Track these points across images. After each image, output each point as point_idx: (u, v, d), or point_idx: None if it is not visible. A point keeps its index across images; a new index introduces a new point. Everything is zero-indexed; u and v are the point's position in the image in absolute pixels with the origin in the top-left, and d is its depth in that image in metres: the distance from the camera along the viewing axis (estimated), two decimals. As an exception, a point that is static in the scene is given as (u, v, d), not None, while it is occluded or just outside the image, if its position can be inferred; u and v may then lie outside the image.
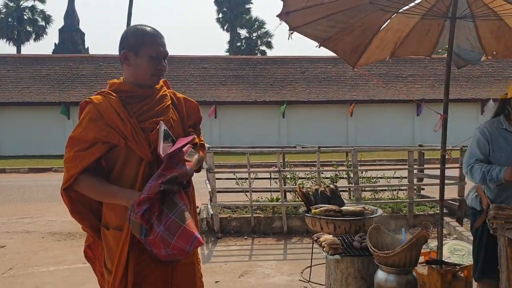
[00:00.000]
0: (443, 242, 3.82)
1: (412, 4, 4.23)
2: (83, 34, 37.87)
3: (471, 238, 5.20)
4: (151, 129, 2.04)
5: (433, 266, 3.46)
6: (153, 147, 2.01)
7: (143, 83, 2.08)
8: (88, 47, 37.95)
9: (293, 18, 4.13)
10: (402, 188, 7.11)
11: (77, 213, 2.12)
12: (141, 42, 2.03)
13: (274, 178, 7.01)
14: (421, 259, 3.46)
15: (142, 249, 1.95)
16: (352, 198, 6.86)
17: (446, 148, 5.32)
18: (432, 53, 5.11)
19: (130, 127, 1.99)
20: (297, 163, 9.35)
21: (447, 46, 4.50)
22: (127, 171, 2.02)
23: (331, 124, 23.54)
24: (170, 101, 2.17)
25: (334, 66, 24.44)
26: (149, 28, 2.08)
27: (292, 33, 4.30)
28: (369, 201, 6.74)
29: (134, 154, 2.01)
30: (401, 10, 4.34)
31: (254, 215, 6.49)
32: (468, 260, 4.45)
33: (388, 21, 4.54)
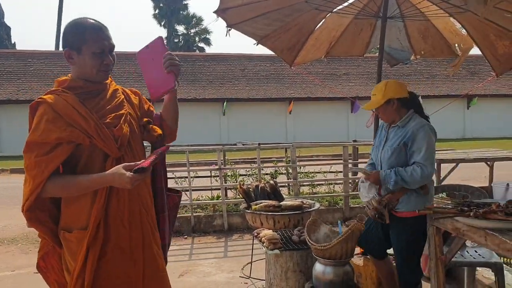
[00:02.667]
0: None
1: (346, 4, 4.38)
2: (9, 28, 35.69)
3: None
4: (114, 124, 2.00)
5: (368, 256, 3.60)
6: (120, 143, 1.98)
7: (92, 80, 2.01)
8: (14, 42, 35.84)
9: (230, 15, 4.14)
10: (338, 182, 7.34)
11: (36, 220, 1.99)
12: (83, 40, 1.94)
13: (214, 176, 6.98)
14: (357, 250, 3.60)
15: (106, 247, 1.94)
16: (291, 193, 6.99)
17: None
18: (365, 53, 5.32)
19: (93, 124, 1.92)
20: (238, 160, 9.36)
21: (379, 46, 4.71)
22: (91, 169, 1.95)
23: (271, 121, 23.84)
24: (123, 95, 2.14)
25: (273, 64, 24.73)
26: (90, 22, 1.99)
27: (229, 29, 4.31)
28: (307, 195, 6.92)
29: (98, 151, 1.96)
30: (335, 10, 4.48)
31: (194, 214, 6.44)
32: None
33: (323, 21, 4.68)
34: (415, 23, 4.73)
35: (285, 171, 7.31)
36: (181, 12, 41.25)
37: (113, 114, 2.02)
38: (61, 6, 28.19)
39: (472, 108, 25.67)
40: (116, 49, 2.06)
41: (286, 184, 7.24)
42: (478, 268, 3.88)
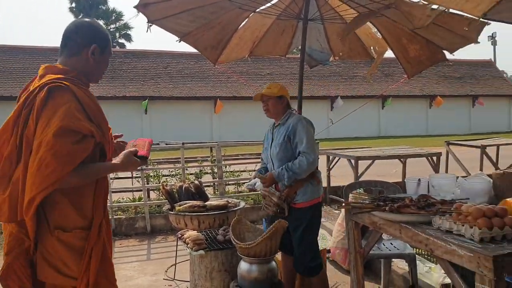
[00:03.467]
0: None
1: (269, 4, 4.42)
2: None
3: (325, 224, 5.69)
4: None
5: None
6: (112, 145, 2.13)
7: (91, 80, 2.09)
8: None
9: (151, 10, 4.01)
10: (263, 180, 7.40)
11: (33, 217, 1.87)
12: (108, 42, 2.11)
13: (136, 177, 6.75)
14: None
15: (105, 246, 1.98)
16: (216, 192, 6.95)
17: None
18: (287, 53, 5.41)
19: (105, 124, 2.01)
20: (161, 160, 9.15)
21: (300, 47, 4.82)
22: None
23: (196, 121, 23.61)
24: None
25: (197, 62, 24.51)
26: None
27: (150, 25, 4.19)
28: (232, 195, 6.92)
29: (97, 151, 1.98)
30: (258, 10, 4.51)
31: (115, 216, 6.19)
32: (322, 245, 4.84)
33: (246, 20, 4.69)
34: (334, 25, 4.90)
35: (210, 171, 7.25)
36: (100, 6, 39.55)
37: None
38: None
39: (386, 108, 27.28)
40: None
41: (212, 184, 7.19)
42: (393, 259, 4.12)
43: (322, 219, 5.98)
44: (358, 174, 6.89)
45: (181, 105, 23.53)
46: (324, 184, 7.73)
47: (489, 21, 3.37)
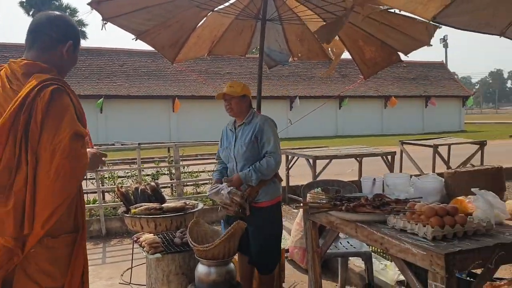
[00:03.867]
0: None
1: (227, 3, 4.39)
2: None
3: (284, 223, 5.71)
4: None
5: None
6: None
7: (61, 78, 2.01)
8: None
9: (106, 7, 3.89)
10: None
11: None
12: (79, 38, 2.06)
13: (90, 179, 6.54)
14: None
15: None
16: (174, 193, 6.85)
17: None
18: (246, 53, 5.40)
19: (85, 124, 1.97)
20: (117, 161, 8.92)
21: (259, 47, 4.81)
22: None
23: (154, 120, 23.20)
24: None
25: (155, 61, 24.10)
26: None
27: (105, 23, 4.06)
28: (191, 196, 6.82)
29: None
30: (216, 9, 4.47)
31: (69, 219, 5.96)
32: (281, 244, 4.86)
33: (204, 19, 4.63)
34: (292, 26, 4.92)
35: (168, 172, 7.13)
36: (53, 1, 38.16)
37: None
38: None
39: (343, 108, 27.83)
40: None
41: (169, 185, 7.07)
42: (350, 257, 4.19)
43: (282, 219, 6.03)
44: (316, 173, 6.98)
45: (138, 104, 23.08)
46: (283, 183, 7.77)
47: (440, 25, 3.48)
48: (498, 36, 3.36)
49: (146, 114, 23.02)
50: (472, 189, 2.44)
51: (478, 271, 2.25)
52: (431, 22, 3.12)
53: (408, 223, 2.25)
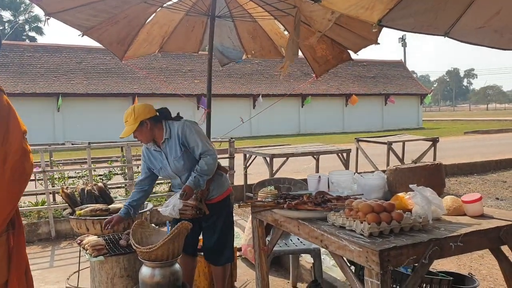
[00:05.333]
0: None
1: (175, 0, 4.32)
2: None
3: (240, 222, 5.69)
4: None
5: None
6: None
7: None
8: None
9: (48, 2, 3.75)
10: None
11: None
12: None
13: (39, 180, 6.30)
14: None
15: None
16: (128, 194, 6.69)
17: (214, 139, 5.64)
18: (199, 50, 5.32)
19: None
20: (70, 161, 8.64)
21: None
22: None
23: (113, 119, 22.64)
24: None
25: (114, 58, 23.31)
26: None
27: (48, 18, 3.91)
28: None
29: None
30: (165, 5, 4.38)
31: (16, 222, 5.72)
32: (235, 243, 4.82)
33: (153, 15, 4.54)
34: (244, 23, 4.90)
35: (121, 171, 6.95)
36: (6, -5, 36.75)
37: None
38: None
39: (305, 107, 28.09)
40: None
41: (123, 185, 6.89)
42: (301, 254, 4.20)
43: (237, 217, 6.00)
44: (273, 171, 6.99)
45: (97, 102, 22.49)
46: (241, 182, 7.77)
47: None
48: (443, 37, 3.44)
49: (105, 113, 22.44)
50: (410, 186, 2.48)
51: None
52: (377, 24, 3.16)
53: (346, 220, 2.27)
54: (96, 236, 3.45)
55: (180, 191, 3.13)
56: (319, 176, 3.02)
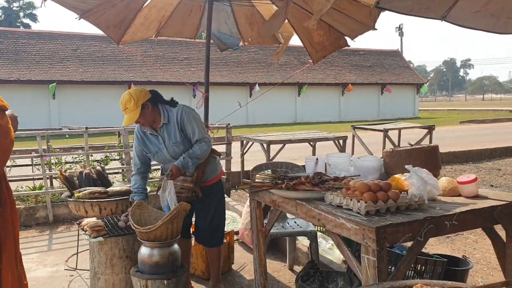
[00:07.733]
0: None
1: (171, -17, 4.30)
2: None
3: (237, 207, 5.73)
4: None
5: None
6: None
7: None
8: None
9: (44, -17, 3.73)
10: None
11: None
12: None
13: (36, 165, 6.31)
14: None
15: None
16: (125, 179, 6.71)
17: (212, 125, 5.64)
18: (196, 35, 5.31)
19: None
20: (68, 147, 8.63)
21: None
22: None
23: (109, 106, 22.57)
24: None
25: (110, 45, 23.34)
26: None
27: (45, 0, 3.89)
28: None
29: None
30: (163, -12, 4.36)
31: (14, 206, 5.74)
32: (232, 227, 4.87)
33: (151, -2, 4.52)
34: (242, 8, 4.88)
35: (119, 157, 6.96)
36: (1, -19, 36.31)
37: None
38: None
39: (302, 95, 28.08)
40: None
41: (120, 170, 6.90)
42: (298, 237, 4.25)
43: (234, 202, 6.04)
44: (270, 158, 7.03)
45: (93, 89, 22.40)
46: (238, 168, 7.81)
47: (383, 9, 3.53)
48: (440, 20, 3.45)
49: (101, 100, 22.37)
50: (406, 166, 2.50)
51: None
52: (374, 6, 3.17)
53: (344, 199, 2.30)
54: (95, 218, 3.48)
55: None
56: (317, 159, 3.05)
